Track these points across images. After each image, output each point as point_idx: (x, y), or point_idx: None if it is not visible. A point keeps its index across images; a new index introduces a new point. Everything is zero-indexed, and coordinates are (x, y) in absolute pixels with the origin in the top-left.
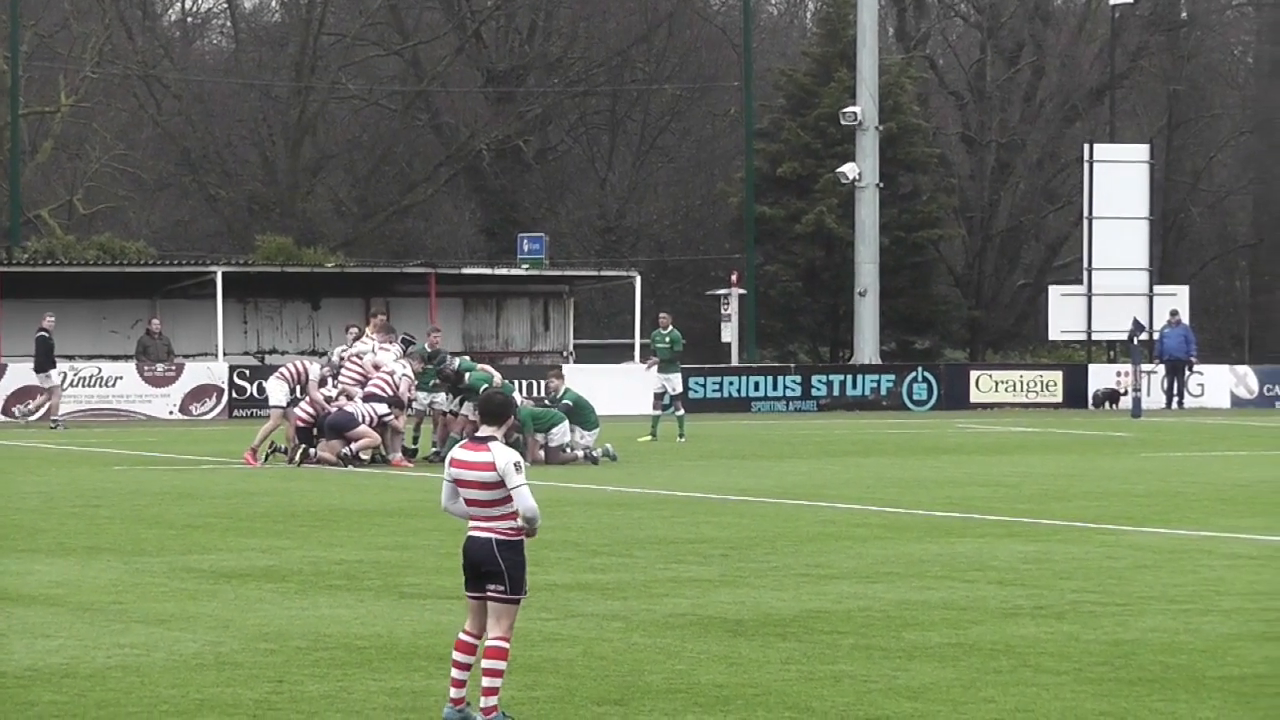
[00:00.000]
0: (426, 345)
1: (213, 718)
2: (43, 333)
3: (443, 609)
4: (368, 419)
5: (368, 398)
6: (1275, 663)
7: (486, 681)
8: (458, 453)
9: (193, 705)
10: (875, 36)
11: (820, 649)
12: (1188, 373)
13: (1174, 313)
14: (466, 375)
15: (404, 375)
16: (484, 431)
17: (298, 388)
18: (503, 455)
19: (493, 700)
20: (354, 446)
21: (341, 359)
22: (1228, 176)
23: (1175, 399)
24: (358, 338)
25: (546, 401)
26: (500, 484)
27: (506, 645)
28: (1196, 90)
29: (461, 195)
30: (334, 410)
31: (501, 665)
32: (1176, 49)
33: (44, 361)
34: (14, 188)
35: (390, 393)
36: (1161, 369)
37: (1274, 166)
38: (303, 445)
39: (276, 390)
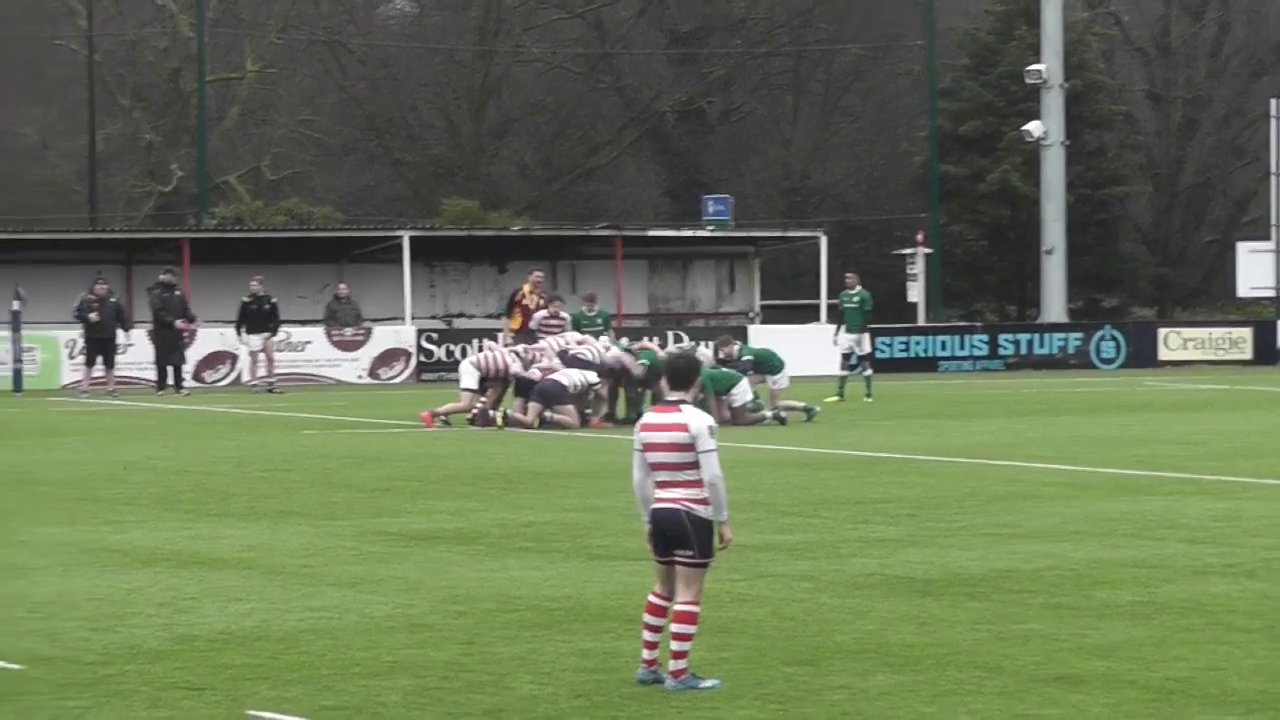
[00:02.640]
0: (585, 309)
1: (404, 679)
2: (245, 297)
3: (631, 570)
4: (576, 387)
5: (572, 362)
6: None
7: (675, 645)
8: (649, 416)
9: (384, 667)
10: None
11: (1010, 608)
12: None
13: None
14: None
15: (605, 344)
16: (673, 396)
17: (494, 378)
18: (697, 418)
19: (682, 663)
20: (552, 415)
21: (541, 325)
22: None
23: None
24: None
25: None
26: (691, 447)
27: (696, 609)
28: None
29: (645, 157)
30: (548, 380)
31: (691, 629)
32: None
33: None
34: (201, 154)
35: (598, 360)
36: None
37: None
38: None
39: (468, 375)
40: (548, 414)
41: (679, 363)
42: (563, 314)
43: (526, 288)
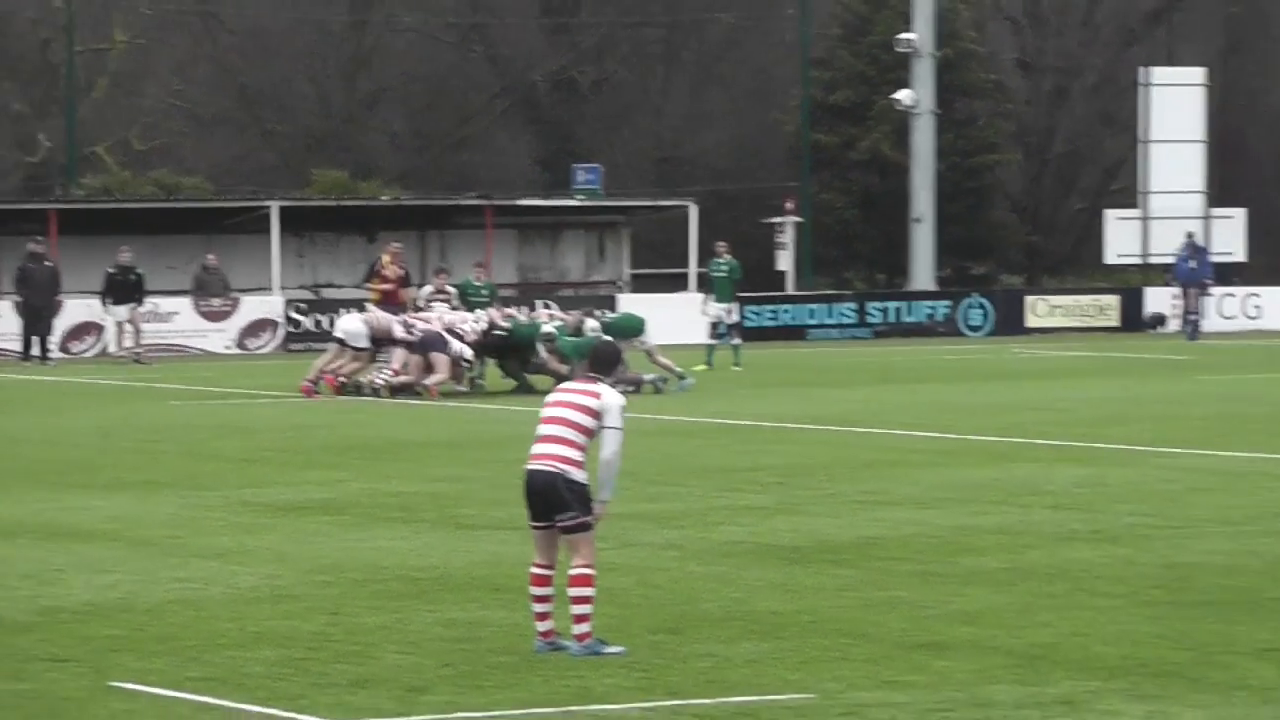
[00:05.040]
0: (473, 278)
1: (270, 650)
2: (111, 268)
3: (498, 540)
4: (456, 352)
5: (452, 335)
6: None
7: (576, 609)
8: (564, 384)
9: (250, 638)
10: None
11: (876, 575)
12: (1203, 295)
13: (1189, 235)
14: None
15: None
16: (594, 376)
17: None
18: (613, 395)
19: (586, 627)
20: (431, 380)
21: (429, 302)
22: None
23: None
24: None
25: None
26: (596, 414)
27: (591, 572)
28: (1256, 12)
29: (517, 127)
30: (429, 329)
31: (589, 592)
32: None
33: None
34: (70, 125)
35: (475, 338)
36: (1179, 291)
37: None
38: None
39: (361, 336)
40: (424, 383)
41: (604, 348)
42: (449, 288)
43: (385, 258)
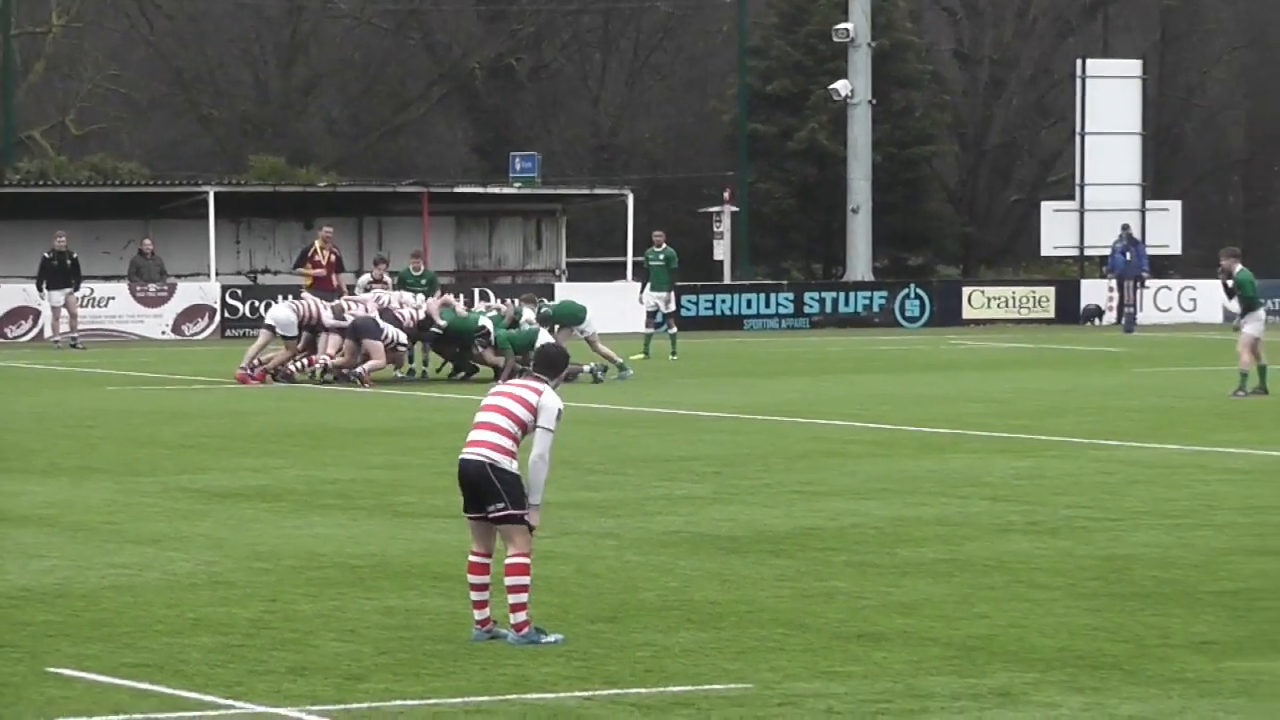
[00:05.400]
0: (411, 267)
1: (206, 637)
2: (47, 253)
3: (436, 528)
4: (389, 338)
5: (389, 319)
6: (1268, 576)
7: (511, 599)
8: (511, 380)
9: (187, 625)
10: None
11: (813, 566)
12: (1139, 288)
13: (1125, 227)
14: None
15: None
16: (539, 376)
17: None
18: (553, 397)
19: (522, 615)
20: (365, 368)
21: (368, 288)
22: (1221, 92)
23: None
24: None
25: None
26: (533, 410)
27: (526, 561)
28: (1190, 5)
29: (454, 114)
30: (362, 315)
31: (524, 580)
32: None
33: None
34: (6, 108)
35: (410, 325)
36: (1114, 284)
37: (1267, 81)
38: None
39: (289, 320)
40: (357, 371)
41: (550, 350)
42: (387, 277)
43: (318, 243)
